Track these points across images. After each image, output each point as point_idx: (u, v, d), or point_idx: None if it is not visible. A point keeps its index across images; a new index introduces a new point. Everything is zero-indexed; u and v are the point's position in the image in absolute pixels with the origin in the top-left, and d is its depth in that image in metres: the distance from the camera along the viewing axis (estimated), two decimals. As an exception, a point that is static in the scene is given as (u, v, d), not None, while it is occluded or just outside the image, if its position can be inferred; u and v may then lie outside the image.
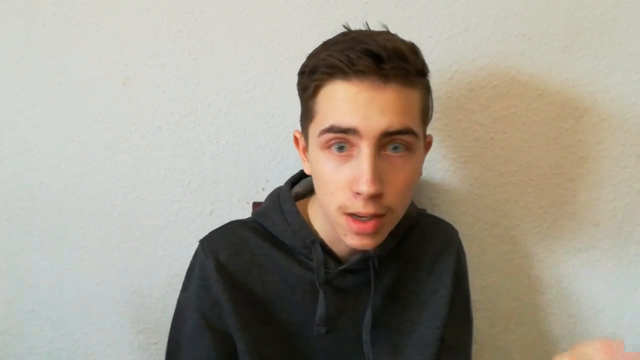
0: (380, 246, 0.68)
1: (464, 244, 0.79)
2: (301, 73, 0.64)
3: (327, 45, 0.62)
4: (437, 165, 0.89)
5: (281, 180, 0.81)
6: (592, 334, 0.95)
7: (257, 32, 0.85)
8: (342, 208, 0.60)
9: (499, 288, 0.94)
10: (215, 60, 0.86)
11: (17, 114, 0.88)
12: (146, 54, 0.86)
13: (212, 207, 0.92)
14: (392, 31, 0.82)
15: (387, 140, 0.58)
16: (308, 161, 0.66)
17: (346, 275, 0.69)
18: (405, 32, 0.83)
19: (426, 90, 0.63)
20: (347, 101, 0.57)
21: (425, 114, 0.64)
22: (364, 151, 0.57)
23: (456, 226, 0.80)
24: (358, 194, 0.57)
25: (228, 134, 0.89)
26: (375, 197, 0.58)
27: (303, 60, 0.86)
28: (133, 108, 0.88)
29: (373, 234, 0.61)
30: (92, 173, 0.90)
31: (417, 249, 0.74)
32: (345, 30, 0.64)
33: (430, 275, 0.74)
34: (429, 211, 0.89)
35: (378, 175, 0.57)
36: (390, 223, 0.63)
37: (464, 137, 0.88)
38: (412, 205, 0.75)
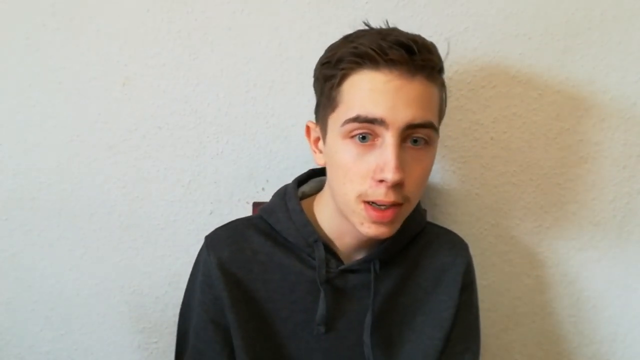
0: (383, 250, 0.68)
1: (463, 244, 0.79)
2: (324, 63, 0.64)
3: (350, 37, 0.63)
4: (437, 165, 0.89)
5: (281, 180, 0.81)
6: (592, 333, 0.95)
7: (257, 32, 0.85)
8: (361, 196, 0.61)
9: (499, 288, 0.94)
10: (215, 60, 0.86)
11: (18, 114, 0.88)
12: (146, 54, 0.86)
13: (212, 207, 0.92)
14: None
15: (410, 133, 0.60)
16: (321, 152, 0.67)
17: (347, 275, 0.70)
18: (405, 32, 0.83)
19: (443, 87, 0.66)
20: (375, 91, 0.58)
21: (442, 111, 0.66)
22: (389, 141, 0.58)
23: (456, 226, 0.80)
24: (381, 181, 0.59)
25: (228, 134, 0.89)
26: (397, 186, 0.59)
27: (303, 60, 0.86)
28: (133, 108, 0.88)
29: (390, 222, 0.62)
30: (92, 173, 0.91)
31: (423, 258, 0.74)
32: (366, 27, 0.65)
33: (436, 286, 0.73)
34: (429, 211, 0.90)
35: (402, 164, 0.59)
36: (405, 213, 0.64)
37: (464, 137, 0.88)
38: (420, 213, 0.75)
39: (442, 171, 0.90)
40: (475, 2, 0.82)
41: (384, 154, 0.58)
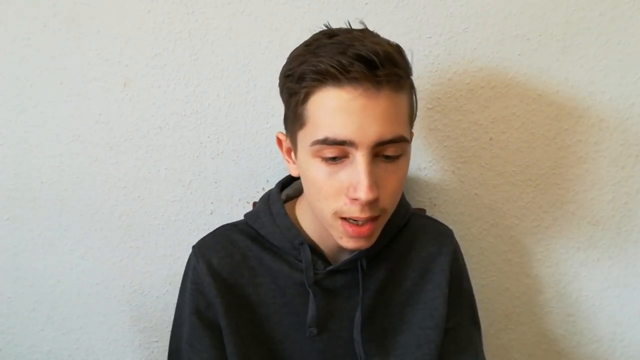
0: (369, 248, 0.68)
1: (463, 244, 0.80)
2: (286, 76, 0.61)
3: (310, 48, 0.59)
4: (436, 165, 0.90)
5: (281, 180, 0.81)
6: (591, 333, 0.96)
7: (257, 33, 0.85)
8: (337, 213, 0.60)
9: (498, 287, 0.94)
10: (215, 60, 0.86)
11: (19, 114, 0.89)
12: (147, 54, 0.86)
13: (212, 207, 0.92)
14: (392, 32, 0.82)
15: (380, 149, 0.58)
16: (294, 163, 0.66)
17: (335, 275, 0.70)
18: (405, 33, 0.84)
19: (411, 89, 0.63)
20: (341, 110, 0.56)
21: (412, 115, 0.64)
22: (360, 159, 0.57)
23: (455, 226, 0.80)
24: (355, 199, 0.58)
25: (228, 134, 0.89)
26: (372, 202, 0.58)
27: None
28: (134, 108, 0.88)
29: (368, 236, 0.62)
30: (93, 173, 0.91)
31: (408, 250, 0.74)
32: (326, 29, 0.62)
33: (423, 276, 0.74)
34: (429, 211, 0.90)
35: (374, 181, 0.58)
36: (383, 223, 0.64)
37: (463, 138, 0.88)
38: (404, 206, 0.75)
39: (441, 171, 0.90)
40: (475, 2, 0.83)
41: (356, 173, 0.57)
